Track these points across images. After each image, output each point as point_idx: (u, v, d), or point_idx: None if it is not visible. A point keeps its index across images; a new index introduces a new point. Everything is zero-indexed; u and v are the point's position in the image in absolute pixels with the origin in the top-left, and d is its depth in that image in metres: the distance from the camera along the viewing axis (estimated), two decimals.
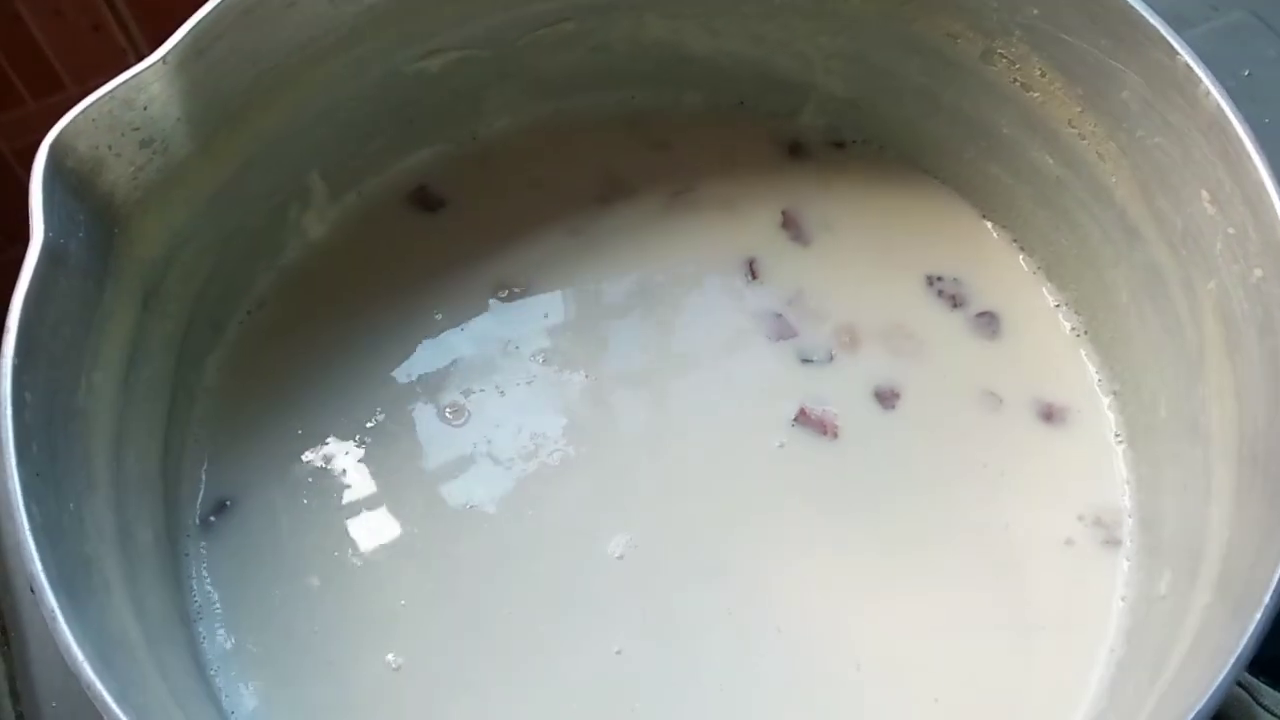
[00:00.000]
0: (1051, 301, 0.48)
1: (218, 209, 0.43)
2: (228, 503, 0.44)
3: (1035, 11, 0.42)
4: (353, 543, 0.43)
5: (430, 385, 0.46)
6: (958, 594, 0.41)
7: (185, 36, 0.38)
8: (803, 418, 0.45)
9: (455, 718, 0.40)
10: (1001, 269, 0.49)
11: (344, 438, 0.45)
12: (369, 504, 0.44)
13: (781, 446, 0.44)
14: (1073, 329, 0.47)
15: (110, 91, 0.37)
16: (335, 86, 0.45)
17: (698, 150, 0.51)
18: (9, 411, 0.32)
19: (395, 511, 0.44)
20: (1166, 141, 0.39)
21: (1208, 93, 0.36)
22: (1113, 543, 0.42)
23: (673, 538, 0.43)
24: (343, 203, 0.50)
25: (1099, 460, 0.44)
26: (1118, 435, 0.45)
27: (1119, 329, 0.45)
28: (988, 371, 0.46)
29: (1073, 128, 0.43)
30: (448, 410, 0.46)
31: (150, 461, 0.41)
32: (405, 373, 0.47)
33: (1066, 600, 0.41)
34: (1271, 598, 0.31)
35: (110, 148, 0.37)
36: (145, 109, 0.38)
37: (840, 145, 0.52)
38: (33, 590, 0.31)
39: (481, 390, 0.46)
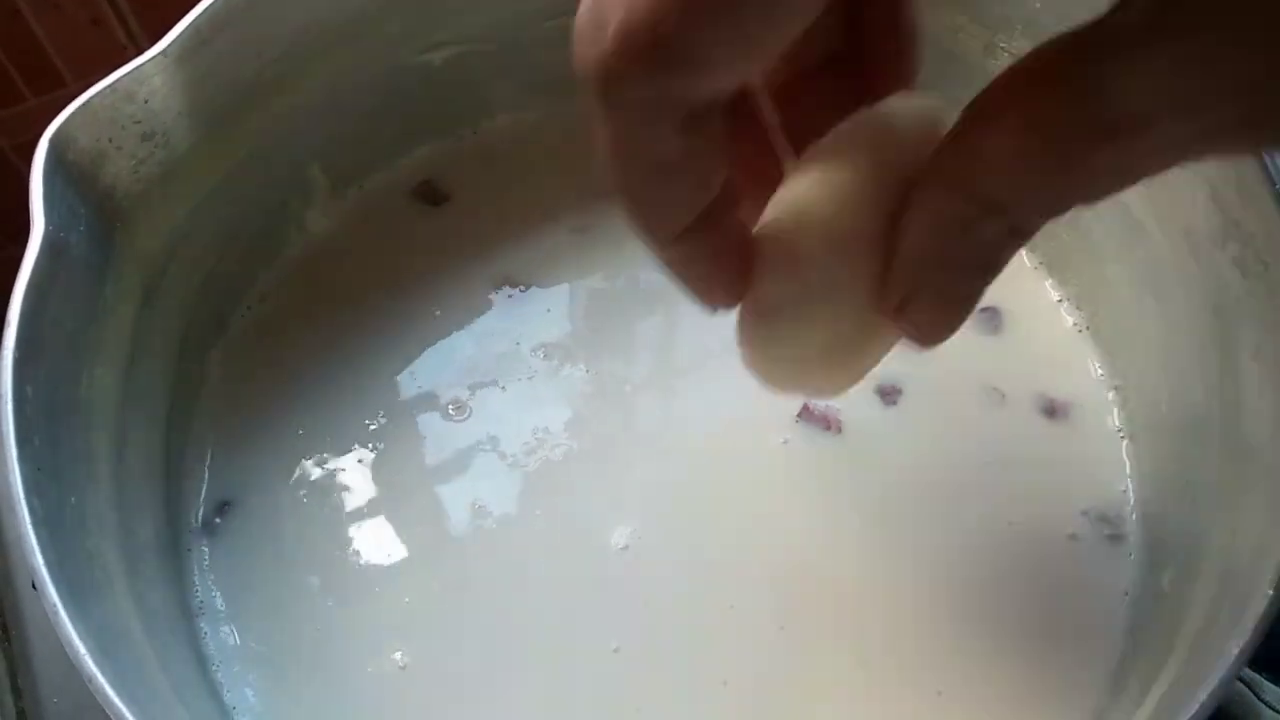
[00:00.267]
0: (1053, 297, 0.48)
1: (219, 203, 0.43)
2: (230, 499, 0.44)
3: (1038, 5, 0.41)
4: (354, 540, 0.43)
5: (432, 381, 0.46)
6: (962, 589, 0.41)
7: (187, 29, 0.38)
8: (806, 414, 0.44)
9: (458, 715, 0.40)
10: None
11: (345, 433, 0.45)
12: (371, 501, 0.44)
13: (785, 443, 0.44)
14: (1074, 324, 0.47)
15: (111, 84, 0.37)
16: (337, 80, 0.45)
17: None
18: (10, 405, 0.32)
19: (397, 509, 0.44)
20: None
21: None
22: (1117, 538, 0.42)
23: (676, 533, 0.42)
24: (345, 197, 0.50)
25: (1102, 456, 0.44)
26: (1119, 430, 0.44)
27: (1120, 325, 0.45)
28: (991, 367, 0.46)
29: None
30: (450, 407, 0.46)
31: (152, 456, 0.41)
32: (407, 369, 0.46)
33: (1070, 595, 0.41)
34: (1273, 593, 0.30)
35: (111, 141, 0.37)
36: (146, 102, 0.38)
37: None
38: (34, 585, 0.31)
39: (484, 386, 0.46)
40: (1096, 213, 0.44)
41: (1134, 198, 0.42)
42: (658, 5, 0.18)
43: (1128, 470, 0.44)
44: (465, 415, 0.45)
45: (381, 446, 0.45)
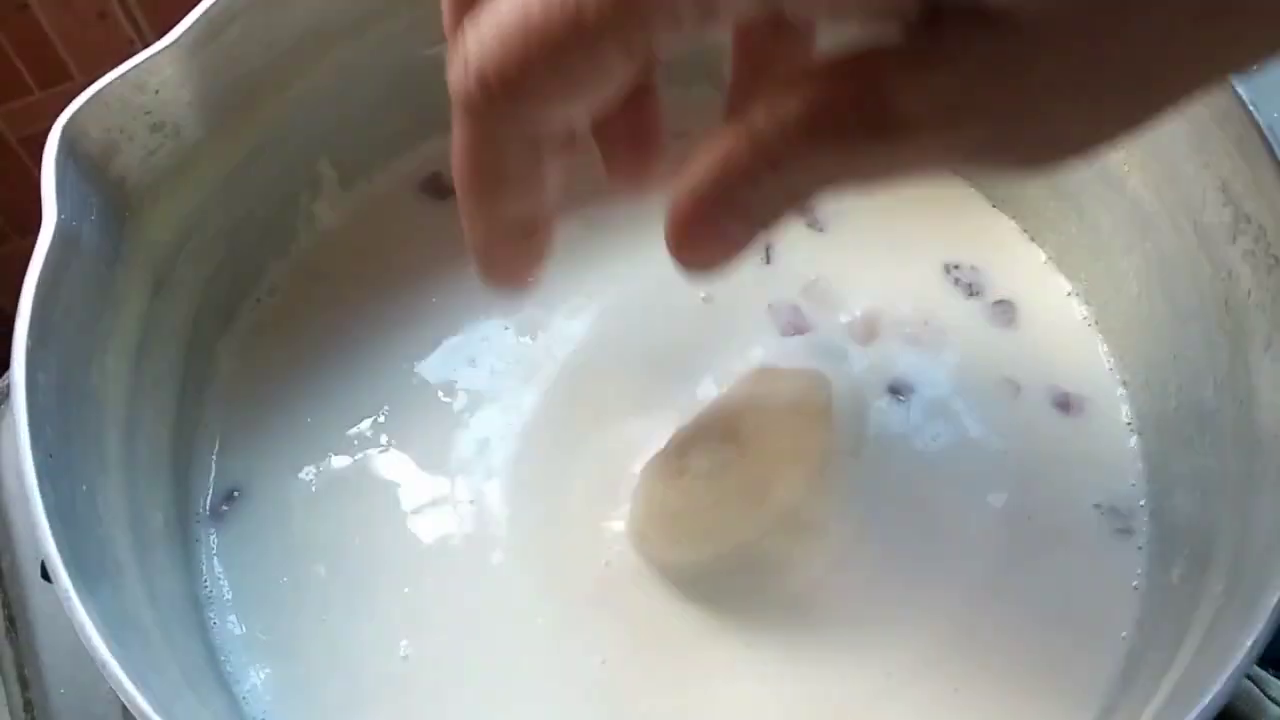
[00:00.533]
0: (1063, 291, 0.48)
1: (228, 195, 0.43)
2: (238, 489, 0.44)
3: None
4: (362, 530, 0.43)
5: (441, 373, 0.46)
6: (970, 583, 0.41)
7: (198, 20, 0.38)
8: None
9: (464, 705, 0.40)
10: (1014, 258, 0.48)
11: (354, 424, 0.45)
12: (379, 492, 0.44)
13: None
14: (1084, 319, 0.47)
15: (122, 75, 0.37)
16: (347, 72, 0.45)
17: (710, 137, 0.51)
18: (23, 393, 0.32)
19: (405, 500, 0.44)
20: (1180, 129, 0.39)
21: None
22: (1126, 532, 0.42)
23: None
24: (354, 190, 0.50)
25: (1113, 449, 0.44)
26: (1129, 424, 0.44)
27: (1130, 319, 0.45)
28: (1006, 359, 0.46)
29: None
30: (459, 399, 0.46)
31: (161, 446, 0.41)
32: (416, 361, 0.46)
33: (1079, 589, 0.41)
34: None
35: (122, 131, 0.38)
36: (157, 93, 0.38)
37: None
38: (43, 575, 0.31)
39: (493, 379, 0.46)
40: (1106, 206, 0.44)
41: (1143, 191, 0.42)
42: (503, 56, 0.22)
43: (1137, 464, 0.44)
44: (474, 407, 0.45)
45: (390, 438, 0.45)
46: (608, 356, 0.47)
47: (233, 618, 0.41)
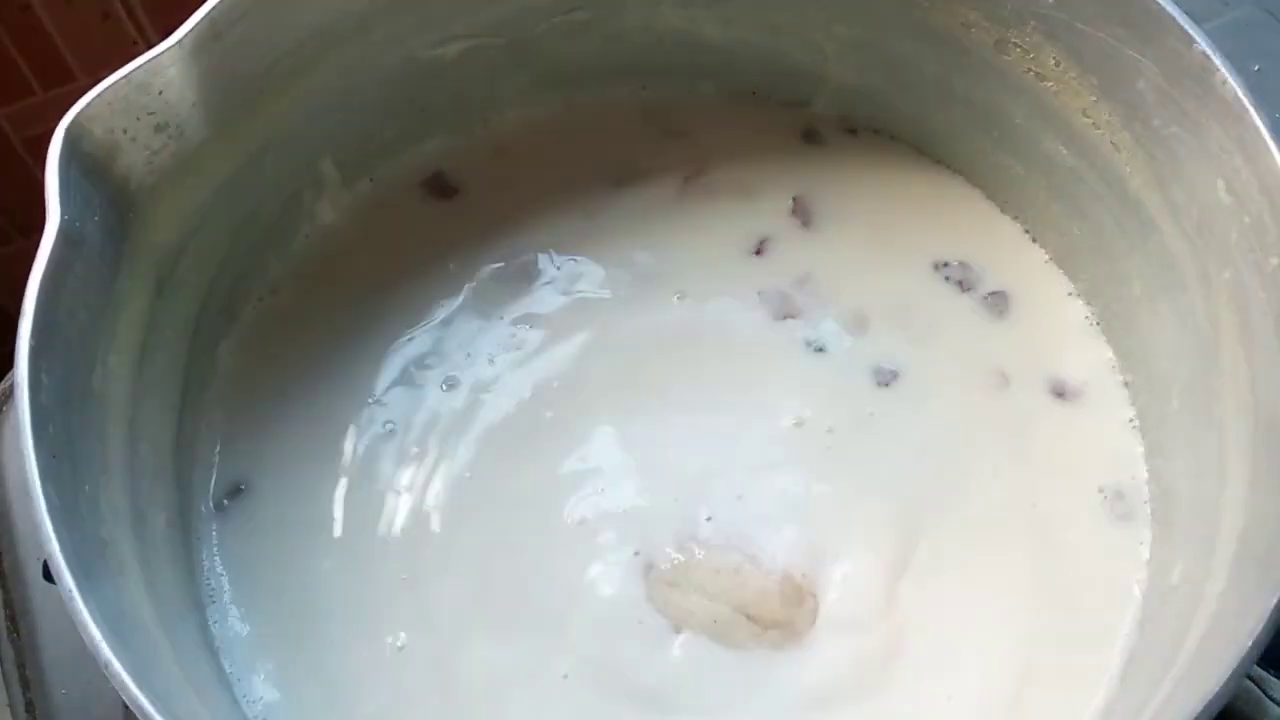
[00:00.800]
0: (1064, 291, 0.48)
1: (231, 195, 0.43)
2: (240, 487, 0.44)
3: (1050, 0, 0.41)
4: (364, 527, 0.43)
5: (443, 370, 0.46)
6: (973, 576, 0.42)
7: (202, 21, 0.38)
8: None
9: (466, 699, 0.40)
10: (1014, 258, 0.49)
11: (355, 422, 0.45)
12: (380, 488, 0.44)
13: (798, 425, 0.44)
14: (1086, 319, 0.47)
15: (126, 75, 0.37)
16: (350, 73, 0.45)
17: (712, 139, 0.51)
18: (26, 392, 0.32)
19: (406, 496, 0.44)
20: (1182, 131, 0.39)
21: (1225, 81, 0.36)
22: (1127, 526, 0.42)
23: (683, 512, 0.43)
24: (355, 190, 0.50)
25: (1115, 447, 0.44)
26: (1131, 422, 0.45)
27: (1132, 319, 0.45)
28: (998, 351, 0.46)
29: (1087, 118, 0.43)
30: (461, 396, 0.46)
31: (163, 445, 0.41)
32: (417, 359, 0.47)
33: (1080, 587, 0.41)
34: None
35: (126, 132, 0.38)
36: (161, 93, 0.38)
37: (853, 132, 0.52)
38: (45, 575, 0.31)
39: (495, 376, 0.46)
40: (1108, 207, 0.44)
41: (1146, 192, 0.42)
42: None
43: (1140, 462, 0.44)
44: (476, 405, 0.46)
45: (391, 435, 0.45)
46: (611, 344, 0.47)
47: (234, 614, 0.41)
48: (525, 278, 0.48)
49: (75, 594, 0.30)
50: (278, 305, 0.48)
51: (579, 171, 0.50)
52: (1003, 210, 0.50)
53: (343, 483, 0.44)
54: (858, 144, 0.51)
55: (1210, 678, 0.30)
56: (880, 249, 0.49)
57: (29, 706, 0.46)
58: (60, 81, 0.77)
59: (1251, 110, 0.36)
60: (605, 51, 0.51)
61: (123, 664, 0.29)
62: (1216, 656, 0.31)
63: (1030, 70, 0.44)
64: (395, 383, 0.46)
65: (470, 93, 0.50)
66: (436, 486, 0.44)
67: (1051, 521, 0.43)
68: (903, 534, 0.42)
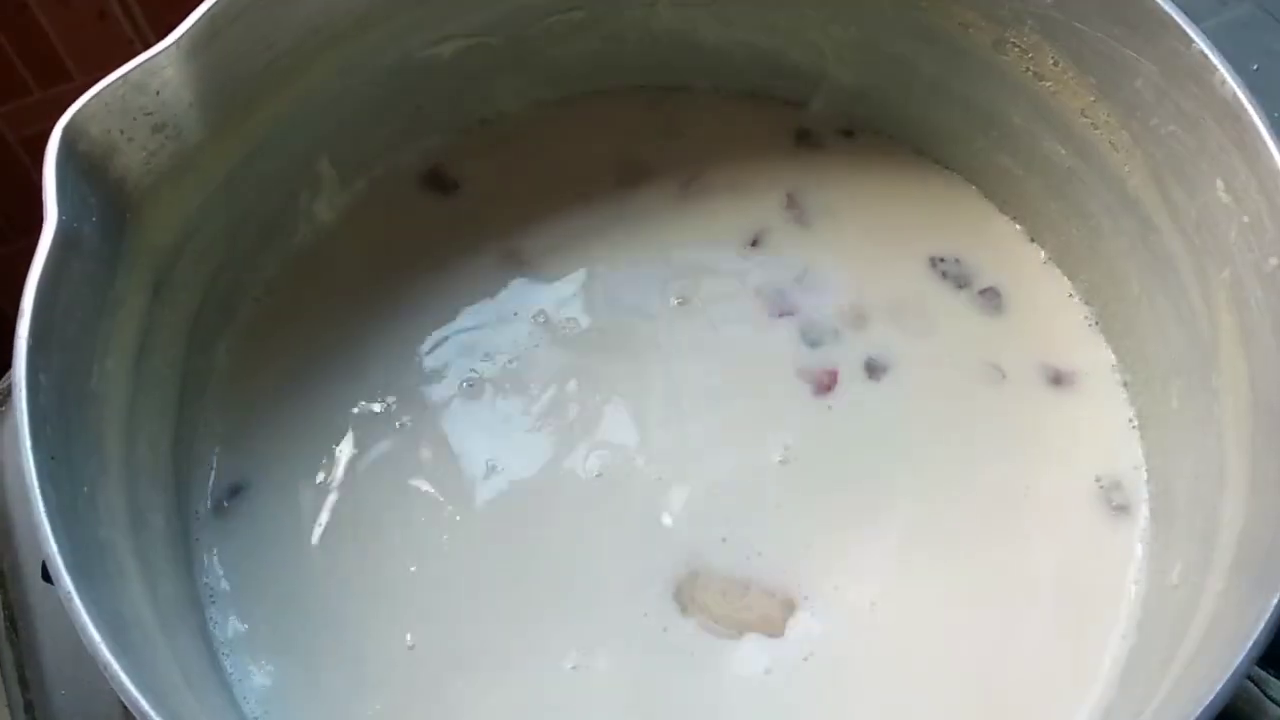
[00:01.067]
0: (1063, 291, 0.48)
1: (229, 194, 0.43)
2: (239, 487, 0.44)
3: (1049, 0, 0.41)
4: (363, 525, 0.43)
5: (442, 368, 0.46)
6: (971, 572, 0.42)
7: (199, 20, 0.38)
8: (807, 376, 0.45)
9: (468, 697, 0.40)
10: (1012, 258, 0.49)
11: (354, 421, 0.45)
12: (379, 487, 0.44)
13: (791, 419, 0.45)
14: (1084, 319, 0.47)
15: (123, 76, 0.37)
16: (347, 72, 0.45)
17: (708, 138, 0.51)
18: (24, 393, 0.32)
19: (405, 494, 0.44)
20: (1181, 130, 0.39)
21: (1223, 81, 0.36)
22: (1126, 523, 0.42)
23: (695, 507, 0.43)
24: (352, 189, 0.50)
25: (1115, 447, 0.44)
26: (1130, 422, 0.45)
27: (1130, 319, 0.45)
28: (995, 347, 0.46)
29: (1085, 117, 0.43)
30: (459, 393, 0.46)
31: (162, 446, 0.41)
32: (416, 356, 0.47)
33: (1079, 588, 0.41)
34: None
35: (123, 132, 0.37)
36: (158, 93, 0.38)
37: (850, 134, 0.52)
38: (44, 576, 0.31)
39: (494, 373, 0.46)
40: (1106, 207, 0.44)
41: (1144, 192, 0.42)
42: None
43: (1139, 461, 0.44)
44: (475, 401, 0.46)
45: (390, 433, 0.45)
46: (612, 336, 0.47)
47: (234, 615, 0.41)
48: (521, 275, 0.48)
49: (74, 595, 0.30)
50: (275, 305, 0.48)
51: (577, 170, 0.50)
52: (1001, 210, 0.50)
53: (340, 484, 0.44)
54: (856, 143, 0.52)
55: (1210, 679, 0.30)
56: (877, 246, 0.49)
57: (28, 707, 0.46)
58: (57, 81, 0.77)
59: (1250, 109, 0.36)
60: (602, 51, 0.51)
61: (121, 665, 0.29)
62: (1216, 657, 0.31)
63: (1028, 70, 0.44)
64: (394, 383, 0.46)
65: (467, 92, 0.50)
66: (441, 485, 0.44)
67: (1048, 520, 0.43)
68: (896, 530, 0.43)
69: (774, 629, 0.41)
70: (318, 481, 0.44)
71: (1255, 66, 0.53)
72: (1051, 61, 0.43)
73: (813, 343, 0.47)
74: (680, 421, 0.45)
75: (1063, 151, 0.45)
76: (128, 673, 0.29)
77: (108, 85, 0.36)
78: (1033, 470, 0.44)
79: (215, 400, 0.45)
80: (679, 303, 0.48)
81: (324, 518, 0.43)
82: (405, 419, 0.45)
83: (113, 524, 0.35)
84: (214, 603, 0.41)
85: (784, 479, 0.44)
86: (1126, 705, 0.38)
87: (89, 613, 0.30)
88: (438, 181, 0.51)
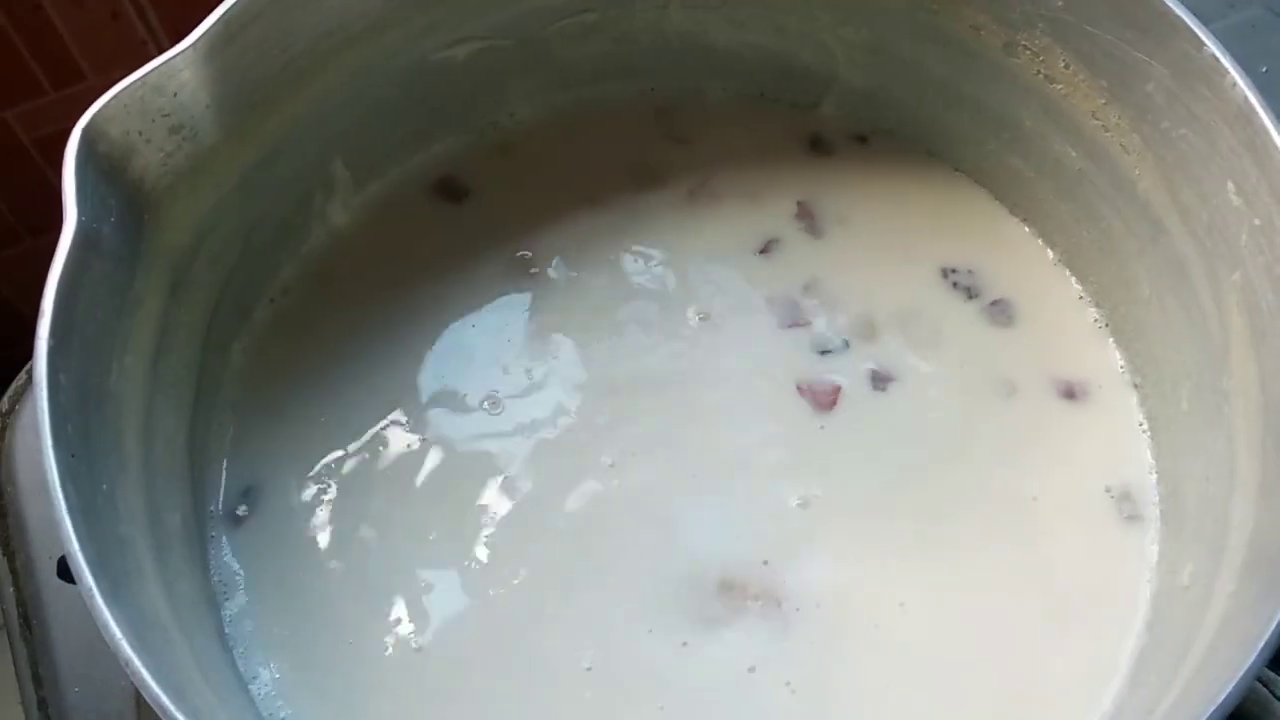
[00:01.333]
0: (1073, 294, 0.48)
1: (244, 196, 0.44)
2: (253, 487, 0.44)
3: (1060, 3, 0.42)
4: (375, 527, 0.43)
5: (453, 373, 0.46)
6: (978, 575, 0.42)
7: (216, 23, 0.38)
8: (806, 392, 0.45)
9: (475, 699, 0.40)
10: (1023, 261, 0.49)
11: (367, 423, 0.45)
12: (391, 488, 0.44)
13: (793, 426, 0.45)
14: (1094, 321, 0.47)
15: (142, 78, 0.37)
16: (361, 75, 0.45)
17: (719, 141, 0.51)
18: (45, 392, 0.32)
19: (417, 496, 0.44)
20: (1191, 133, 0.39)
21: (1234, 84, 0.36)
22: (1137, 527, 0.42)
23: (707, 516, 0.43)
24: (366, 191, 0.50)
25: (1124, 449, 0.44)
26: (1141, 425, 0.45)
27: (1141, 322, 0.45)
28: (1006, 355, 0.46)
29: (1096, 120, 0.43)
30: (470, 398, 0.46)
31: (178, 445, 0.42)
32: (428, 360, 0.47)
33: (1091, 588, 0.41)
34: None
35: (141, 134, 0.38)
36: (175, 95, 0.38)
37: (862, 139, 0.52)
38: (59, 574, 0.31)
39: (504, 378, 0.46)
40: (1116, 209, 0.44)
41: (1154, 194, 0.42)
42: None
43: (1149, 463, 0.44)
44: (485, 406, 0.46)
45: (401, 435, 0.45)
46: (622, 346, 0.47)
47: (249, 614, 0.42)
48: (533, 280, 0.49)
49: (95, 592, 0.30)
50: (290, 306, 0.48)
51: (589, 173, 0.51)
52: (1011, 212, 0.50)
53: (353, 484, 0.44)
54: (868, 149, 0.52)
55: (1220, 680, 0.30)
56: (888, 254, 0.49)
57: (41, 704, 0.46)
58: (71, 81, 0.77)
59: (1261, 112, 0.36)
60: (614, 53, 0.51)
61: (142, 662, 0.29)
62: (1226, 658, 0.32)
63: (1039, 73, 0.44)
64: (406, 387, 0.46)
65: (480, 94, 0.51)
66: (452, 491, 0.44)
67: (1059, 522, 0.43)
68: (910, 536, 0.43)
69: (789, 638, 0.41)
70: (330, 483, 0.44)
71: (1264, 69, 0.53)
72: (1062, 64, 0.43)
73: (823, 353, 0.47)
74: (690, 430, 0.45)
75: (1074, 154, 0.45)
76: (149, 670, 0.29)
77: (126, 87, 0.37)
78: (1042, 479, 0.44)
79: (230, 399, 0.46)
80: (689, 304, 0.48)
81: (335, 519, 0.43)
82: (417, 423, 0.45)
83: (131, 522, 0.36)
84: (228, 601, 0.42)
85: (796, 489, 0.44)
86: (1137, 706, 0.38)
87: (110, 610, 0.30)
88: (449, 190, 0.51)
